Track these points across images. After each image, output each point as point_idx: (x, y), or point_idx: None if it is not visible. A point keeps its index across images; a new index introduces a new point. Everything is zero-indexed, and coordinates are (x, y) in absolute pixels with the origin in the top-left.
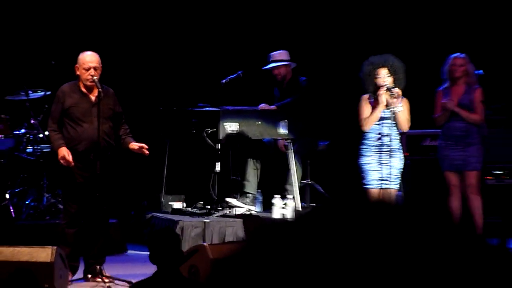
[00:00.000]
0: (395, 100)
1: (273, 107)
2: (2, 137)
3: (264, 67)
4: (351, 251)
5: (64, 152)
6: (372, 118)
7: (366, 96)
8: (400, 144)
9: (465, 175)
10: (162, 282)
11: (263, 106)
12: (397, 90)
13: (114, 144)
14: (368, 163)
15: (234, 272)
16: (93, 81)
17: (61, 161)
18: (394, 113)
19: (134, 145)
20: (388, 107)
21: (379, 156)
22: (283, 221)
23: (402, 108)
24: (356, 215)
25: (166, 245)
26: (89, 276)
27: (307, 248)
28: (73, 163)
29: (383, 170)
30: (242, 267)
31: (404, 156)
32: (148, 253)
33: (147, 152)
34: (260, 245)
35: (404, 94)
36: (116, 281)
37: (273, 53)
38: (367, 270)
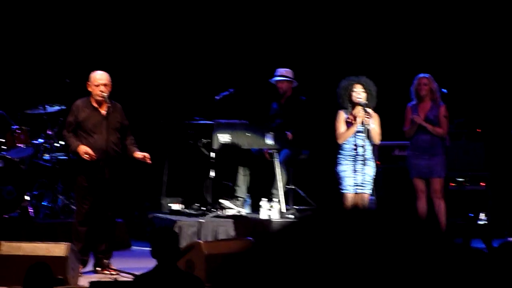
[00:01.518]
0: (367, 119)
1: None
2: (23, 146)
3: (270, 80)
4: (337, 250)
5: (85, 148)
6: (347, 134)
7: (342, 112)
8: (373, 154)
9: (431, 181)
10: (161, 274)
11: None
12: (370, 111)
13: (121, 152)
14: (344, 171)
15: (240, 267)
16: (103, 96)
17: (84, 156)
18: (367, 129)
19: (138, 154)
20: (362, 124)
21: (354, 164)
22: (283, 225)
23: (373, 126)
24: (340, 219)
25: (165, 242)
26: (98, 269)
27: (302, 249)
28: (95, 156)
29: (357, 177)
30: (248, 263)
31: (376, 164)
32: (150, 249)
33: (149, 161)
34: (264, 245)
35: (377, 111)
36: (122, 274)
37: (279, 69)
38: (350, 265)
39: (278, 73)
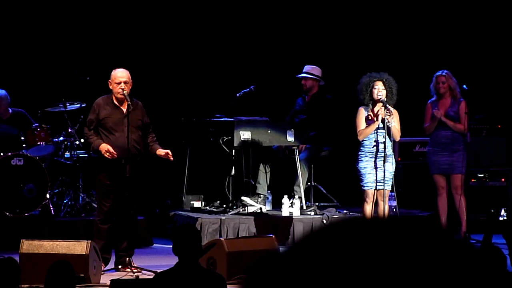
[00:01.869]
0: (388, 116)
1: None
2: (43, 144)
3: (297, 75)
4: (363, 258)
5: (107, 146)
6: (367, 131)
7: (362, 109)
8: (392, 150)
9: (451, 177)
10: (183, 272)
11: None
12: (391, 109)
13: (142, 150)
14: (364, 167)
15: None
16: (123, 94)
17: (106, 154)
18: (388, 126)
19: (161, 151)
20: (383, 122)
21: (374, 161)
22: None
23: (394, 123)
24: (359, 230)
25: (187, 239)
26: (120, 266)
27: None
28: (116, 154)
29: (378, 173)
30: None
31: (396, 160)
32: (171, 246)
33: (171, 158)
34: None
35: (397, 107)
36: (143, 271)
37: (306, 65)
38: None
39: (304, 70)
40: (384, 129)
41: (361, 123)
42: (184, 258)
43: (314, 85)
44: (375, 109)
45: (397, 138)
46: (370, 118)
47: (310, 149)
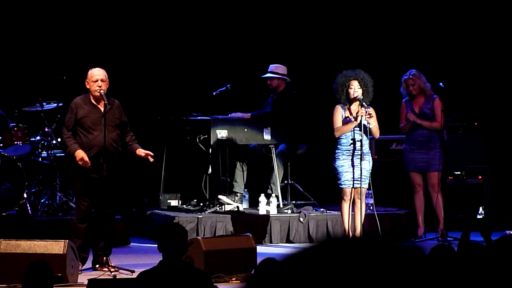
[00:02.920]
0: (368, 118)
1: (247, 115)
2: (20, 143)
3: (262, 76)
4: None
5: (82, 154)
6: (344, 129)
7: (339, 106)
8: (369, 148)
9: (428, 175)
10: (168, 269)
11: (233, 115)
12: (370, 111)
13: (120, 149)
14: (341, 165)
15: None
16: (100, 92)
17: (80, 162)
18: (368, 127)
19: (141, 152)
20: (364, 123)
21: (352, 159)
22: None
23: (374, 124)
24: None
25: (175, 237)
26: (97, 266)
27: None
28: (90, 163)
29: (355, 171)
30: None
31: (373, 158)
32: (150, 244)
33: (152, 159)
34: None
35: (374, 104)
36: (121, 270)
37: (271, 65)
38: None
39: (269, 69)
40: (361, 129)
41: (338, 121)
42: (169, 256)
43: (280, 83)
44: (352, 108)
45: (377, 135)
46: (348, 118)
47: (284, 146)
